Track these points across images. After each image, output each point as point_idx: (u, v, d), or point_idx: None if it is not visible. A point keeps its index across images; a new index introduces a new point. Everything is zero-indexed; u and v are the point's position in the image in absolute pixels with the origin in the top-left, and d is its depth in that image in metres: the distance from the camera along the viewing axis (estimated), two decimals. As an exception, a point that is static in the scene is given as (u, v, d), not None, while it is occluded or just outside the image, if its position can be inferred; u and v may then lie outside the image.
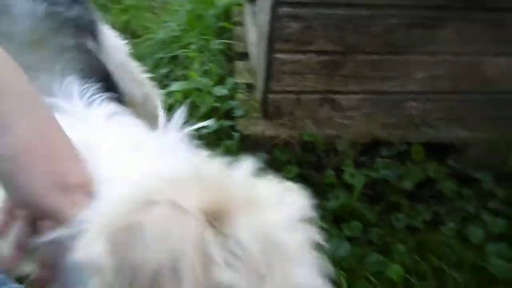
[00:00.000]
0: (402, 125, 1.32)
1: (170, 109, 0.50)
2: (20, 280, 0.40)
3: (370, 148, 1.34)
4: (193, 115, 1.38)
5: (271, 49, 1.16)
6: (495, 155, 1.39)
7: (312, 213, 0.38)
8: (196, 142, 0.48)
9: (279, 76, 1.19)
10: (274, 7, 1.09)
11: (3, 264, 0.38)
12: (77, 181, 0.37)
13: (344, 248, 1.09)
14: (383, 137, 1.31)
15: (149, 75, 1.18)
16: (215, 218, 0.33)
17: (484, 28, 1.19)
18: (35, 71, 0.50)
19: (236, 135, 1.31)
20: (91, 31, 0.76)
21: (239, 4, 1.88)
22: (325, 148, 1.31)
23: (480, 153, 1.37)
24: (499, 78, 1.28)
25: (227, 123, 1.38)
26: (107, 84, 0.62)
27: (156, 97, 1.12)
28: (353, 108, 1.30)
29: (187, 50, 1.70)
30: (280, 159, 1.28)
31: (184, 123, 0.47)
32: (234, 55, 1.63)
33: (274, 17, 1.10)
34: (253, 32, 1.49)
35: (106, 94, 0.52)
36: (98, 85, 0.53)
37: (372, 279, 1.04)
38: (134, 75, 1.01)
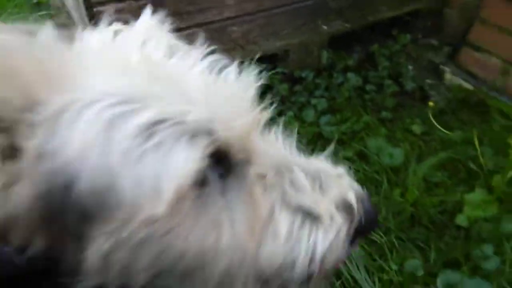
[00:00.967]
0: (229, 49, 1.52)
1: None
2: None
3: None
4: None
5: (89, 4, 1.20)
6: (311, 55, 1.71)
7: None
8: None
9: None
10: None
11: None
12: None
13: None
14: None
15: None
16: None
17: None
18: None
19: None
20: None
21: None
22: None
23: (299, 56, 1.68)
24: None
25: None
26: None
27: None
28: (186, 42, 1.44)
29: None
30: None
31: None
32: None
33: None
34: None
35: None
36: None
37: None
38: None
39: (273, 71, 1.61)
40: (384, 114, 1.58)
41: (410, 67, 1.82)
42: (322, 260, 0.40)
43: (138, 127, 0.32)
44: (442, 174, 1.31)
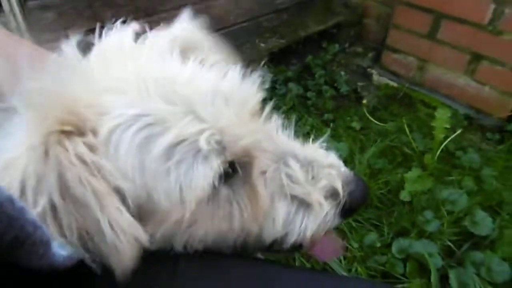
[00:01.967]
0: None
1: None
2: None
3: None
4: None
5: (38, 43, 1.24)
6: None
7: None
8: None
9: (41, 26, 1.19)
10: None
11: None
12: None
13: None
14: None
15: None
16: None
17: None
18: None
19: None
20: None
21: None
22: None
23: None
24: (228, 15, 1.70)
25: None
26: None
27: None
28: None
29: None
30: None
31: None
32: None
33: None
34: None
35: None
36: None
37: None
38: None
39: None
40: (326, 116, 1.75)
41: (343, 73, 2.03)
42: (311, 236, 0.50)
43: (162, 149, 0.39)
44: (383, 160, 1.49)
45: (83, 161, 0.36)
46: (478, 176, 1.41)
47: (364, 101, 1.86)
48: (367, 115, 1.77)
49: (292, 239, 0.50)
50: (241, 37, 1.80)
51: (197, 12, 1.69)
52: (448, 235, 1.16)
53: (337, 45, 2.11)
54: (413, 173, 1.38)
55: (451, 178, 1.39)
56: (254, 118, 0.48)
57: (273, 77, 1.88)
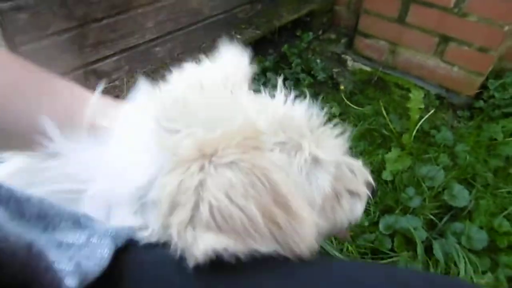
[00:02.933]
0: (158, 68, 1.61)
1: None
2: None
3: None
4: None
5: (12, 45, 1.21)
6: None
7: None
8: None
9: (15, 28, 1.17)
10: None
11: None
12: None
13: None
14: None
15: None
16: None
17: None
18: None
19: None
20: None
21: None
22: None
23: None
24: (203, 7, 1.70)
25: None
26: None
27: None
28: (115, 69, 1.50)
29: None
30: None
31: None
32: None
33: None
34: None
35: None
36: None
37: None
38: None
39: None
40: (306, 103, 1.79)
41: (318, 60, 2.07)
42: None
43: (300, 165, 0.49)
44: (364, 143, 1.55)
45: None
46: (452, 152, 1.50)
47: (341, 87, 1.91)
48: (345, 100, 1.82)
49: (352, 221, 0.61)
50: (217, 29, 1.80)
51: (172, 6, 1.67)
52: (429, 209, 1.24)
53: (311, 33, 2.14)
54: (392, 154, 1.45)
55: (428, 155, 1.47)
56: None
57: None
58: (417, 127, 1.56)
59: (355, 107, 1.79)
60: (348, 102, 1.81)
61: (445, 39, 1.76)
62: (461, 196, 1.26)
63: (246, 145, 0.41)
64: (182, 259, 0.38)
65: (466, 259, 1.08)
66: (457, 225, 1.19)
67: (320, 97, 1.80)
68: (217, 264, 0.37)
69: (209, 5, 1.71)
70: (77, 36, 1.33)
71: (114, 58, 1.48)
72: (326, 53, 2.14)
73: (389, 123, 1.63)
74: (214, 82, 0.53)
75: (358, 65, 2.05)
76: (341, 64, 2.09)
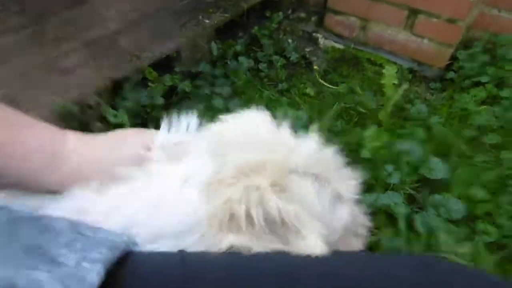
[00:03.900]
0: (125, 61, 1.54)
1: None
2: None
3: (115, 89, 1.52)
4: None
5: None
6: (201, 50, 1.81)
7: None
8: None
9: None
10: None
11: None
12: None
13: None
14: (118, 76, 1.51)
15: None
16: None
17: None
18: None
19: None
20: None
21: None
22: (80, 109, 1.41)
23: (191, 53, 1.77)
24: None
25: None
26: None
27: None
28: (79, 65, 1.42)
29: None
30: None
31: None
32: None
33: None
34: None
35: None
36: None
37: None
38: None
39: (172, 72, 1.68)
40: (280, 86, 1.77)
41: (290, 40, 2.04)
42: None
43: (327, 195, 0.57)
44: (341, 122, 1.55)
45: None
46: (427, 125, 1.52)
47: (315, 67, 1.90)
48: (320, 80, 1.81)
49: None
50: (184, 14, 1.74)
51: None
52: (409, 184, 1.26)
53: (280, 13, 2.10)
54: (370, 131, 1.46)
55: (404, 130, 1.49)
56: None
57: (222, 53, 1.85)
58: (392, 102, 1.57)
59: (329, 86, 1.78)
60: (322, 82, 1.80)
61: (414, 12, 1.76)
62: (438, 169, 1.28)
63: (285, 170, 0.52)
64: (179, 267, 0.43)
65: (447, 230, 1.10)
66: (436, 198, 1.21)
67: (294, 78, 1.76)
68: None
69: (173, -10, 1.64)
70: (34, 32, 1.26)
71: (77, 53, 1.40)
72: (297, 33, 2.11)
73: (364, 100, 1.64)
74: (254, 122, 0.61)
75: (330, 43, 2.04)
76: (313, 43, 2.07)
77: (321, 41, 2.06)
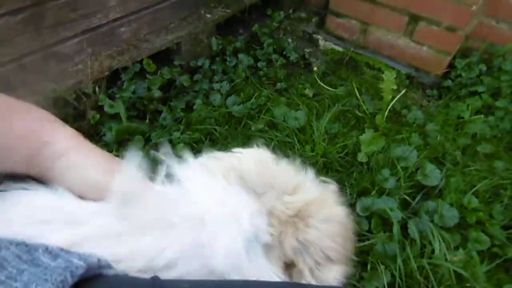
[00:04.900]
0: (124, 50, 1.51)
1: None
2: None
3: (112, 79, 1.50)
4: None
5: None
6: (201, 44, 1.79)
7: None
8: None
9: None
10: None
11: None
12: None
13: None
14: (116, 66, 1.49)
15: None
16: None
17: None
18: None
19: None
20: None
21: None
22: (76, 97, 1.38)
23: (191, 47, 1.75)
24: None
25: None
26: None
27: None
28: (77, 52, 1.39)
29: None
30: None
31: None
32: None
33: None
34: None
35: None
36: None
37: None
38: None
39: (171, 65, 1.66)
40: (279, 85, 1.76)
41: (290, 40, 2.03)
42: None
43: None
44: (338, 125, 1.55)
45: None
46: (423, 132, 1.53)
47: (314, 68, 1.89)
48: (318, 81, 1.81)
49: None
50: (185, 8, 1.72)
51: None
52: (404, 189, 1.27)
53: (281, 12, 2.09)
54: (367, 135, 1.46)
55: (401, 136, 1.49)
56: None
57: (222, 49, 1.83)
58: (389, 108, 1.57)
59: (328, 88, 1.78)
60: (321, 83, 1.80)
61: (414, 18, 1.77)
62: (433, 175, 1.29)
63: (329, 204, 0.61)
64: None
65: (440, 237, 1.11)
66: (430, 204, 1.22)
67: (293, 78, 1.75)
68: None
69: (176, -18, 1.62)
70: (33, 16, 1.22)
71: (76, 40, 1.37)
72: (297, 33, 2.11)
73: (362, 104, 1.64)
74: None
75: (330, 45, 2.04)
76: (313, 44, 2.07)
77: (321, 42, 2.06)
